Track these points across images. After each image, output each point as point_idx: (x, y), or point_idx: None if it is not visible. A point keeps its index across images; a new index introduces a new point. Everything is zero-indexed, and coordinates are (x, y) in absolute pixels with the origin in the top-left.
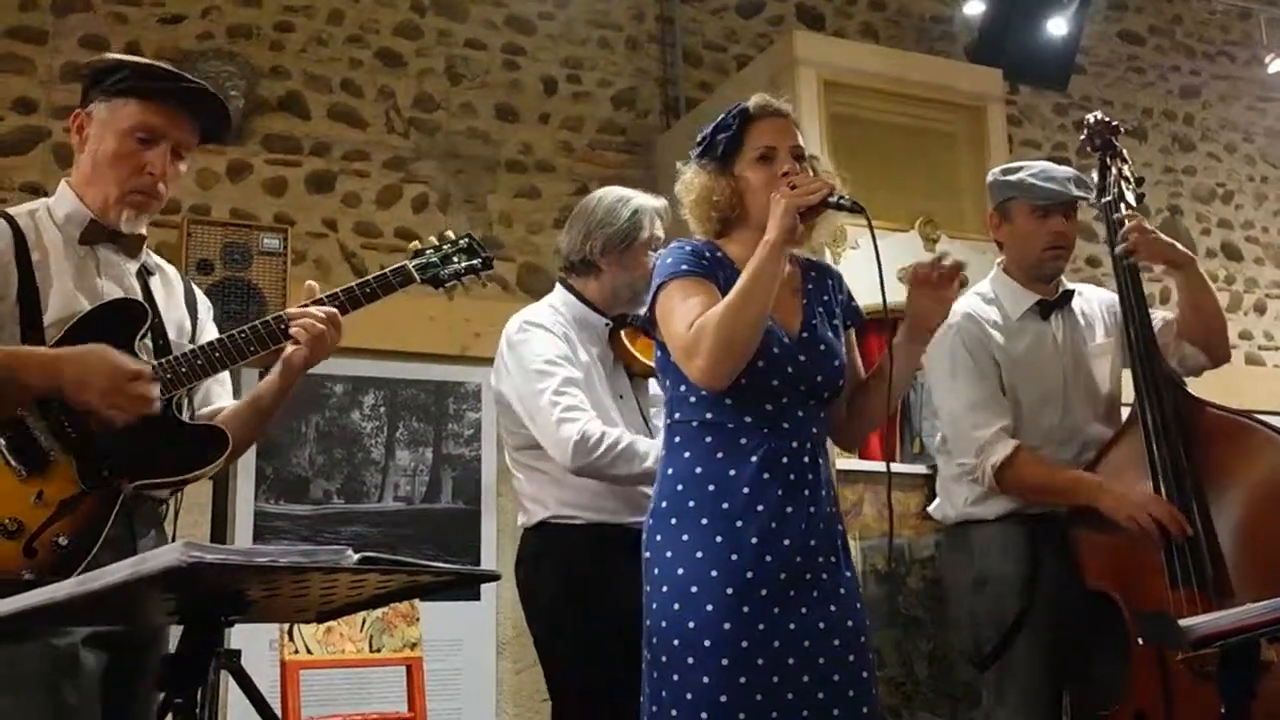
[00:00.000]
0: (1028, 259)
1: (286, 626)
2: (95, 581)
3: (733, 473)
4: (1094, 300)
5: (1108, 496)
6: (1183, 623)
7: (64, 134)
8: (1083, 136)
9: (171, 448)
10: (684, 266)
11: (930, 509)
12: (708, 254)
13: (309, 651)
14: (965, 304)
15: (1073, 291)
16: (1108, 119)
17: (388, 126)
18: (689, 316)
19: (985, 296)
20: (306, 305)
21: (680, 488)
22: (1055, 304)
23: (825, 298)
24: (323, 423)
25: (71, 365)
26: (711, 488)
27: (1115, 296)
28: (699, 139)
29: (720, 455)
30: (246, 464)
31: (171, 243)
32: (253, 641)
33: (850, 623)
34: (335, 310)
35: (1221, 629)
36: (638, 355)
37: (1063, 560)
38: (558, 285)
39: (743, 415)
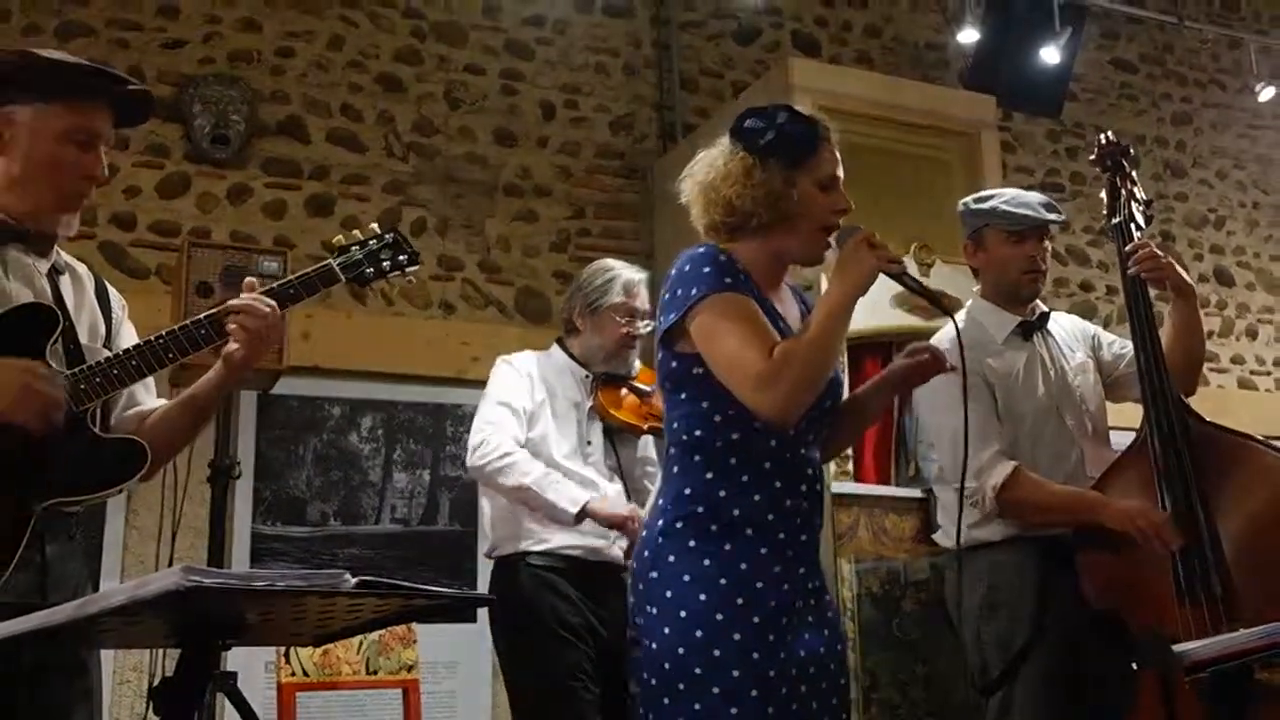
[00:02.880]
0: (1005, 283)
1: (283, 649)
2: (94, 605)
3: (757, 498)
4: (1067, 324)
5: (1110, 510)
6: (1177, 647)
7: None
8: (1092, 157)
9: (86, 463)
10: (727, 280)
11: (935, 537)
12: (738, 266)
13: (305, 674)
14: (951, 330)
15: (1049, 313)
16: (1117, 140)
17: (387, 151)
18: (756, 341)
19: (968, 322)
20: (243, 299)
21: (700, 510)
22: (1035, 324)
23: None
24: (320, 445)
25: None
26: (736, 512)
27: (1086, 324)
28: (758, 128)
29: (745, 479)
30: (244, 486)
31: (171, 265)
32: (249, 664)
33: (839, 647)
34: (272, 304)
35: (1215, 654)
36: (613, 413)
37: (1072, 582)
38: (554, 344)
39: (768, 439)
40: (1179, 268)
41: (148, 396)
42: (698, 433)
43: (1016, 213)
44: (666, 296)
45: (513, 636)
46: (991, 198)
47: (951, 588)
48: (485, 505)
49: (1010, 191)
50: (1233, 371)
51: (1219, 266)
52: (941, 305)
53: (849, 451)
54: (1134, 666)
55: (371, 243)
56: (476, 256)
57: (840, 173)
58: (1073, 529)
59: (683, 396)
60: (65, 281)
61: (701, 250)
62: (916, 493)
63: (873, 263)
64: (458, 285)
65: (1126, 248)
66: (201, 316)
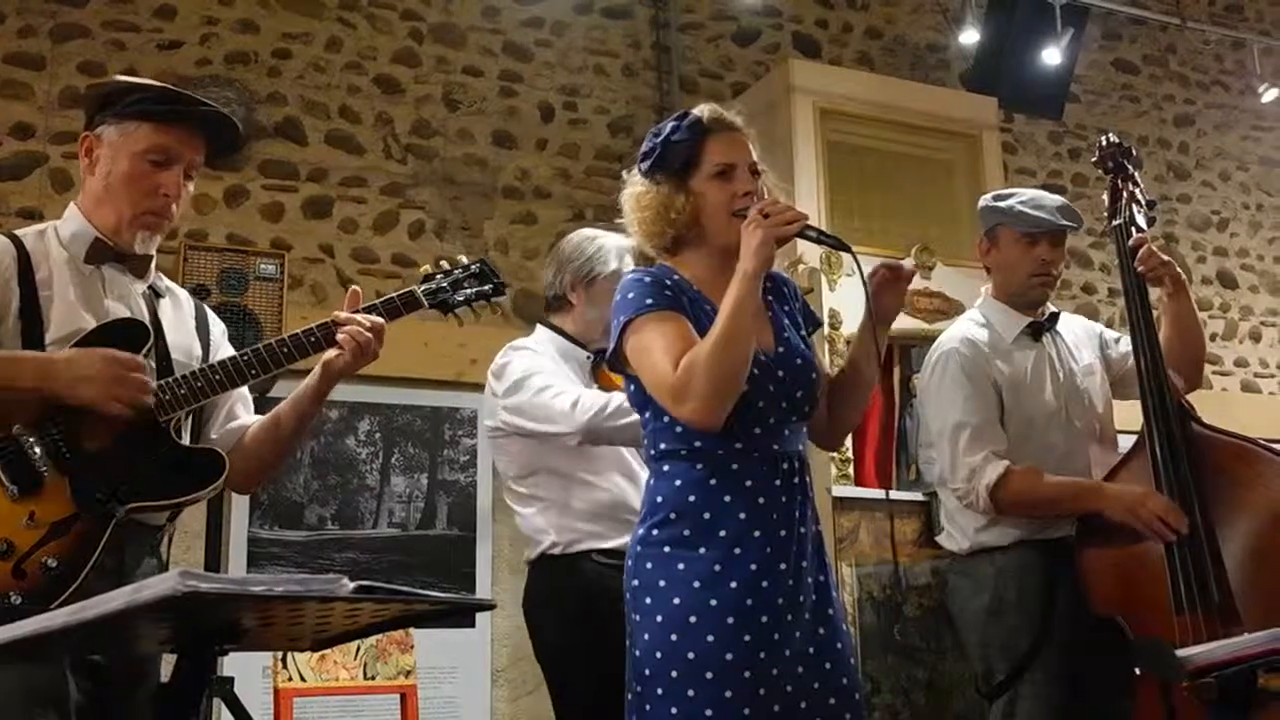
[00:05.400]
0: (1014, 285)
1: (280, 654)
2: (90, 610)
3: (728, 499)
4: (1075, 326)
5: (1106, 497)
6: (1180, 652)
7: (62, 159)
8: (1094, 159)
9: (168, 471)
10: (649, 301)
11: (940, 539)
12: (668, 282)
13: (302, 679)
14: (960, 330)
15: (1058, 313)
16: (1119, 141)
17: (385, 152)
18: (671, 355)
19: (978, 321)
20: (352, 313)
21: (673, 516)
22: (1045, 325)
23: (787, 308)
24: (318, 448)
25: (66, 364)
26: (707, 515)
27: (1092, 324)
28: (646, 149)
29: (714, 483)
30: None
31: (168, 267)
32: (246, 669)
33: (840, 645)
34: (380, 321)
35: (1218, 659)
36: (620, 389)
37: (1077, 585)
38: (538, 326)
39: (732, 441)
40: (1173, 263)
41: (245, 412)
42: (663, 445)
43: (1031, 214)
44: (611, 325)
45: (576, 630)
46: (1010, 196)
47: (954, 592)
48: (521, 510)
49: (1031, 192)
50: (1236, 374)
51: (1222, 269)
52: (846, 248)
53: (849, 455)
54: (1135, 671)
55: (458, 272)
56: (475, 259)
57: (735, 158)
58: (1076, 530)
59: (647, 414)
60: (164, 304)
61: (629, 276)
62: (918, 496)
63: (762, 235)
64: None
65: (1130, 242)
66: (285, 338)
